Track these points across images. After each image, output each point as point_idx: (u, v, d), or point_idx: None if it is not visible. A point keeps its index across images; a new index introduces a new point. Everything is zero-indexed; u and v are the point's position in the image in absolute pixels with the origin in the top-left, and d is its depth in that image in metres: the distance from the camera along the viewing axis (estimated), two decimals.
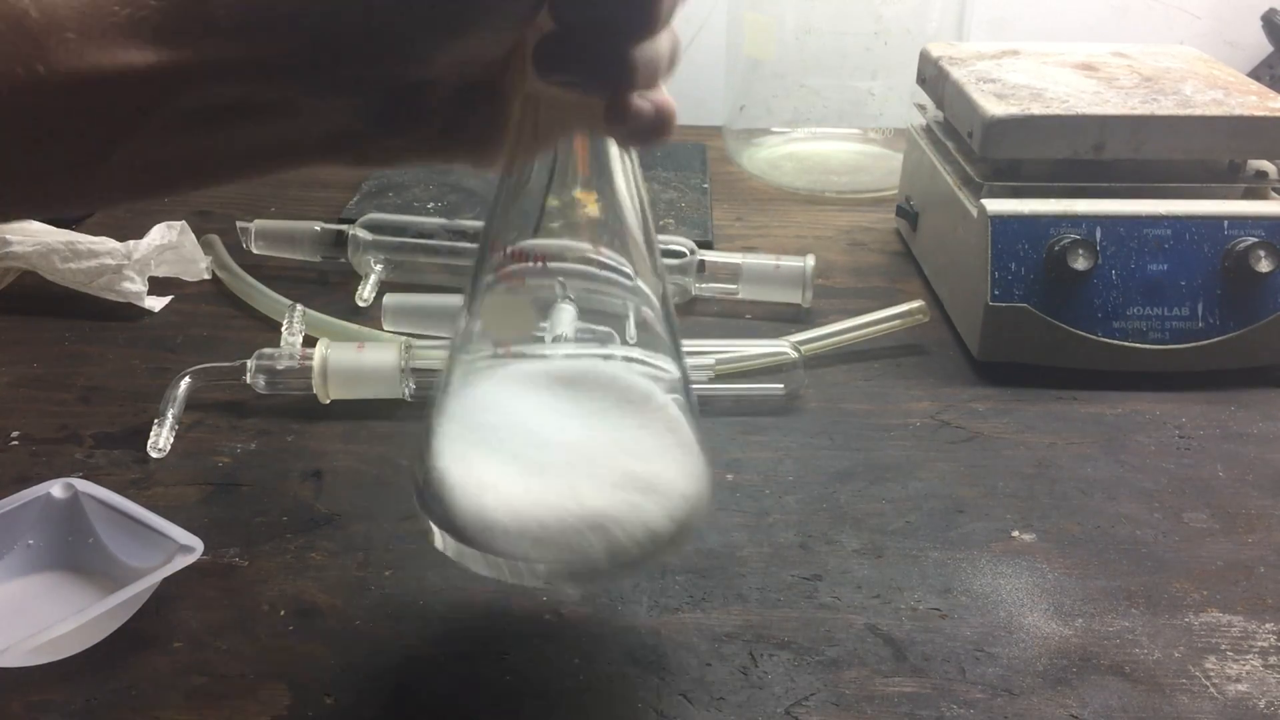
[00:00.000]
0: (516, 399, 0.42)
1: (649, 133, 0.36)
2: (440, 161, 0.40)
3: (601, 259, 0.41)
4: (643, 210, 0.41)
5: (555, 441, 0.41)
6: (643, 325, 0.42)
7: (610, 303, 0.42)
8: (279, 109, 0.35)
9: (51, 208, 0.39)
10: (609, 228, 0.41)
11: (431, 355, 0.63)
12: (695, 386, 0.65)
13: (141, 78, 0.32)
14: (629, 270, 0.41)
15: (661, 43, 0.36)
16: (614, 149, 0.39)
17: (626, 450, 0.41)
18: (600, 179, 0.40)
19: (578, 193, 0.40)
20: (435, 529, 0.40)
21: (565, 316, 0.70)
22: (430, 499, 0.40)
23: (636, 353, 0.43)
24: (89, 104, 0.32)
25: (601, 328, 0.70)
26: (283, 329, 0.68)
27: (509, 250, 0.40)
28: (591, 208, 0.40)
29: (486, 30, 0.35)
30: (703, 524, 0.42)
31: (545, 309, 0.43)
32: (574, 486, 0.39)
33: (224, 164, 0.36)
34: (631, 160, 0.40)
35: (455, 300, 0.69)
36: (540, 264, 0.40)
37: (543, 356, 0.44)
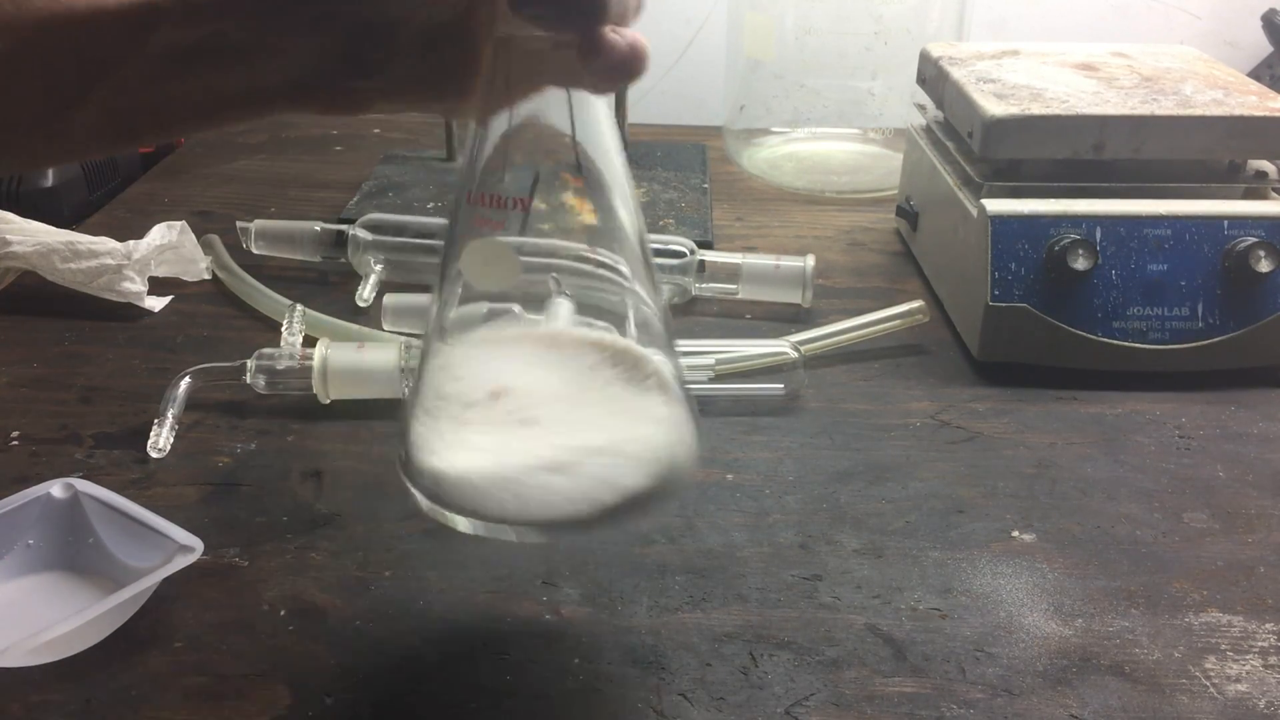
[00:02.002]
0: (492, 359, 0.42)
1: (622, 69, 0.35)
2: (409, 107, 0.39)
3: (597, 258, 0.41)
4: (636, 211, 0.40)
5: (527, 400, 0.40)
6: (642, 325, 0.42)
7: (607, 300, 0.42)
8: (244, 51, 0.34)
9: (20, 160, 0.39)
10: (604, 230, 0.40)
11: None
12: (695, 387, 0.66)
13: (113, 18, 0.32)
14: (625, 270, 0.41)
15: None
16: (610, 146, 0.39)
17: (602, 409, 0.40)
18: (592, 182, 0.39)
19: (569, 198, 0.40)
20: (414, 490, 0.40)
21: (562, 312, 0.70)
22: (409, 461, 0.40)
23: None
24: (61, 46, 0.32)
25: (600, 324, 0.70)
26: (283, 329, 0.68)
27: (485, 196, 0.39)
28: (587, 216, 0.40)
29: None
30: (682, 489, 0.41)
31: (540, 304, 0.43)
32: (542, 444, 0.39)
33: (191, 111, 0.36)
34: (622, 161, 0.40)
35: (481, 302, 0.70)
36: (519, 205, 0.39)
37: (527, 319, 0.43)
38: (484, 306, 0.42)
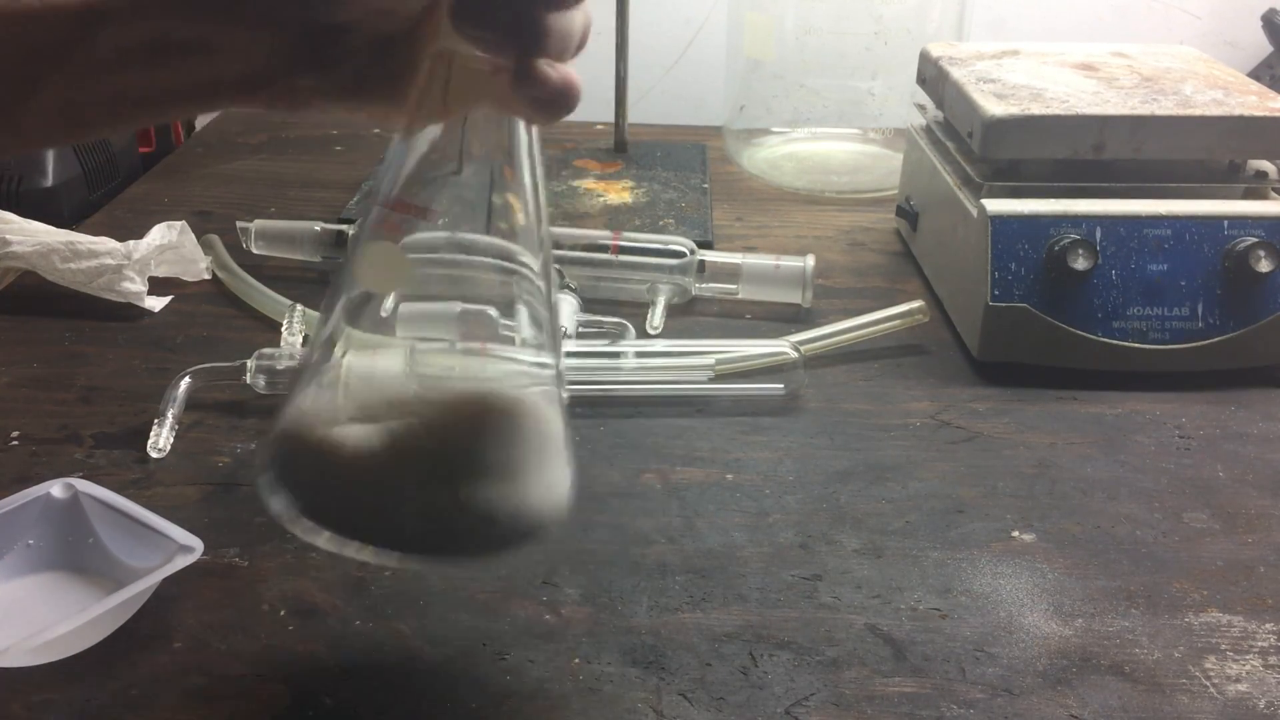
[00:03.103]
0: (381, 378, 0.42)
1: (551, 103, 0.36)
2: (348, 110, 0.40)
3: (511, 252, 0.41)
4: (539, 204, 0.41)
5: (401, 428, 0.40)
6: (537, 322, 0.42)
7: (513, 294, 0.42)
8: (196, 48, 0.35)
9: None
10: (515, 221, 0.41)
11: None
12: (693, 386, 0.66)
13: (62, 13, 0.33)
14: (534, 265, 0.41)
15: (576, 17, 0.36)
16: (520, 133, 0.40)
17: (473, 449, 0.41)
18: (510, 167, 0.40)
19: (510, 197, 0.40)
20: (271, 492, 0.40)
21: (565, 308, 0.70)
22: (274, 459, 0.40)
23: (519, 351, 0.43)
24: (13, 40, 0.33)
25: (610, 319, 0.70)
26: (283, 329, 0.68)
27: (392, 199, 0.40)
28: (520, 215, 0.41)
29: None
30: (550, 530, 0.41)
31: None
32: (406, 475, 0.39)
33: (142, 105, 0.37)
34: (535, 149, 0.40)
35: (455, 302, 0.69)
36: (421, 214, 0.40)
37: (426, 346, 0.43)
38: (458, 307, 0.42)
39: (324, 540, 0.39)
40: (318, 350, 0.42)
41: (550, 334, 0.43)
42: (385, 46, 0.38)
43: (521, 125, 0.40)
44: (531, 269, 0.41)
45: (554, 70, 0.36)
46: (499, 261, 0.41)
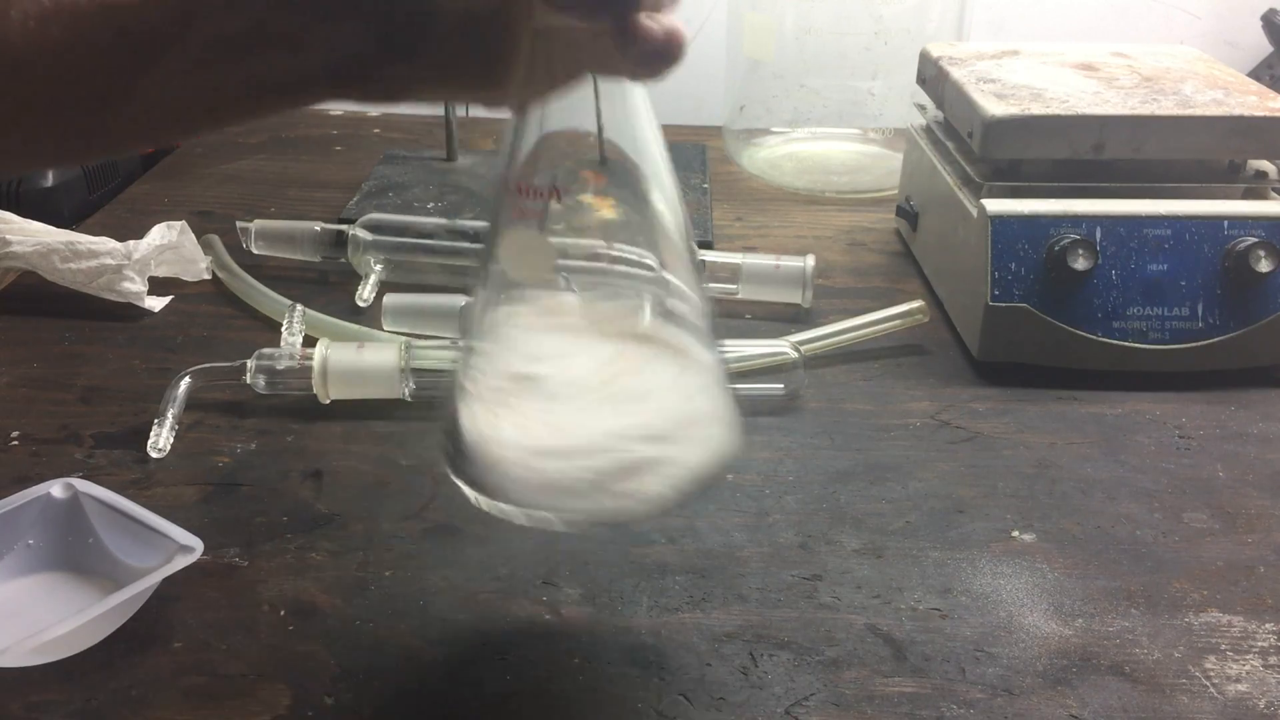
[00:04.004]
0: (540, 345, 0.42)
1: (659, 57, 0.36)
2: (446, 96, 0.40)
3: (616, 253, 0.41)
4: (678, 200, 0.41)
5: (579, 391, 0.41)
6: (668, 318, 0.42)
7: (624, 296, 0.42)
8: (286, 39, 0.36)
9: (74, 150, 0.40)
10: (631, 224, 0.41)
11: (431, 355, 0.63)
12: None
13: (159, 4, 0.33)
14: (652, 263, 0.41)
15: None
16: (648, 137, 0.39)
17: (655, 400, 0.41)
18: (624, 175, 0.40)
19: (588, 198, 0.40)
20: (468, 489, 0.41)
21: None
22: (459, 458, 0.41)
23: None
24: (112, 33, 0.33)
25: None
26: (283, 329, 0.68)
27: (520, 185, 0.39)
28: (607, 211, 0.40)
29: None
30: (726, 472, 0.42)
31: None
32: (595, 438, 0.40)
33: (238, 100, 0.37)
34: (662, 151, 0.40)
35: (455, 300, 0.69)
36: (554, 197, 0.40)
37: (571, 300, 0.43)
38: (461, 301, 0.42)
39: (518, 517, 0.40)
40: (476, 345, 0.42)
41: (692, 325, 0.42)
42: (475, 28, 0.38)
43: (638, 104, 0.39)
44: (645, 265, 0.41)
45: (655, 22, 0.35)
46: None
